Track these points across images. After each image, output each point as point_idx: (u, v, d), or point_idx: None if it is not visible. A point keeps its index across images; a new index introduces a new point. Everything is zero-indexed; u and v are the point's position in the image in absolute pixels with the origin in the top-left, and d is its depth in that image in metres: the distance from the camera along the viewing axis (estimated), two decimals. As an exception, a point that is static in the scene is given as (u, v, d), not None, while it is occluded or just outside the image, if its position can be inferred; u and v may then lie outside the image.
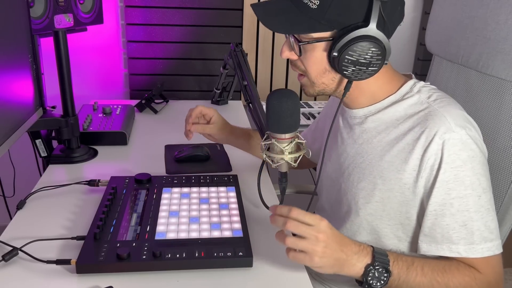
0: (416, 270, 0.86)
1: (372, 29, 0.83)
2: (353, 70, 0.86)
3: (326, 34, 0.87)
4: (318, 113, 1.58)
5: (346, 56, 0.84)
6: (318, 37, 0.88)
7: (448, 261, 0.89)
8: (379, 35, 0.83)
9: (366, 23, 0.83)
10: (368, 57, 0.84)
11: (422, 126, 0.89)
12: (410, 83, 0.96)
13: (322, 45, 0.88)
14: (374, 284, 0.84)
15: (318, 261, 0.81)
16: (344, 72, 0.87)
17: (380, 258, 0.84)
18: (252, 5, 0.92)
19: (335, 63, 0.87)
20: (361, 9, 0.83)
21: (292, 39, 0.91)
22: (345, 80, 0.91)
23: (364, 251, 0.85)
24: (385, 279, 0.84)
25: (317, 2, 0.84)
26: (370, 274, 0.83)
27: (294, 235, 0.82)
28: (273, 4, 0.91)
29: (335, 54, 0.85)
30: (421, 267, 0.86)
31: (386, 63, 0.87)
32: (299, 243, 0.81)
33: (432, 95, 0.93)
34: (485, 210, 0.87)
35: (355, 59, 0.85)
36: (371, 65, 0.85)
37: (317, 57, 0.90)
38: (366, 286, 0.84)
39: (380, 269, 0.83)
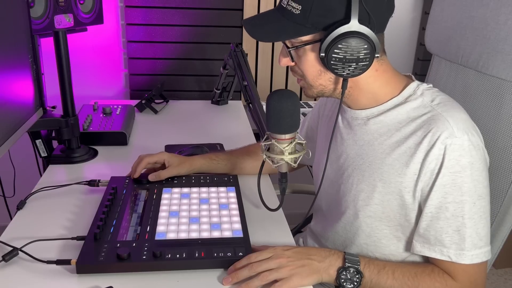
0: (387, 274, 0.89)
1: (354, 25, 0.83)
2: (343, 67, 0.87)
3: (314, 36, 0.88)
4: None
5: (333, 55, 0.85)
6: (306, 41, 0.89)
7: (421, 267, 0.92)
8: (363, 29, 0.84)
9: (347, 20, 0.83)
10: (355, 52, 0.85)
11: (425, 130, 0.89)
12: (413, 85, 0.96)
13: (312, 47, 0.89)
14: (348, 285, 0.87)
15: (292, 275, 0.85)
16: (335, 71, 0.88)
17: (350, 259, 0.89)
18: (243, 21, 0.95)
19: (325, 63, 0.88)
20: (341, 7, 0.84)
21: (284, 47, 0.93)
22: (341, 79, 0.92)
23: (335, 255, 0.91)
24: (357, 280, 0.88)
25: (299, 7, 0.86)
26: (342, 276, 0.88)
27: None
28: (261, 16, 0.94)
29: (322, 54, 0.86)
30: (392, 271, 0.90)
31: (377, 56, 0.87)
32: (269, 275, 0.85)
33: (436, 99, 0.93)
34: (478, 217, 0.88)
35: (342, 57, 0.85)
36: (360, 60, 0.86)
37: (310, 60, 0.91)
38: None
39: (352, 270, 0.88)
